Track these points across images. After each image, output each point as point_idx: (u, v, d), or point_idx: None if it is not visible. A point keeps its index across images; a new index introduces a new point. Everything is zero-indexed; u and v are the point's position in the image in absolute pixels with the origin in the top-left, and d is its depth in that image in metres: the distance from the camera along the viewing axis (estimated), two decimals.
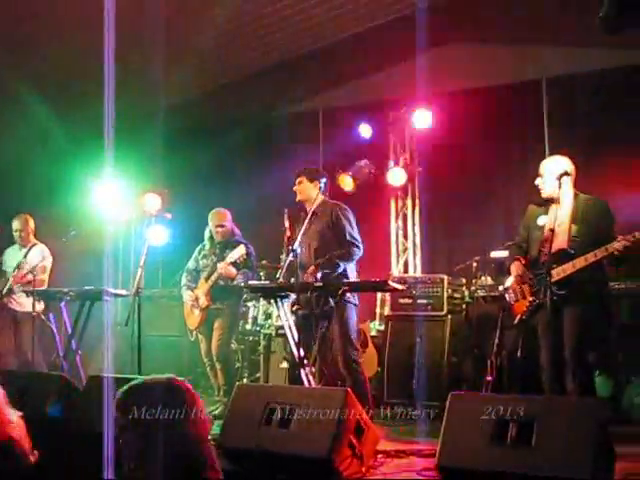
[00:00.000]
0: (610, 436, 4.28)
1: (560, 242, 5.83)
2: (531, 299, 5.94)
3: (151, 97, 10.15)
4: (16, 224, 8.66)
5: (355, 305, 6.76)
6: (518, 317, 6.11)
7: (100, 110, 8.85)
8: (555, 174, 5.94)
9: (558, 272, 5.73)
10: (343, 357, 6.63)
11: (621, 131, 8.86)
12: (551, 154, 8.96)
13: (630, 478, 4.56)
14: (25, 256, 8.20)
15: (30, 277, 8.15)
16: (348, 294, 6.44)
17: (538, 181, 6.13)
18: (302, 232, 6.60)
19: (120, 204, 9.96)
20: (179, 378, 2.98)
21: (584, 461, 3.95)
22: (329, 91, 10.70)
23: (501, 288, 7.22)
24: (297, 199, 7.03)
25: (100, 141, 9.72)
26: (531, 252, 6.11)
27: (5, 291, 8.12)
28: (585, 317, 5.81)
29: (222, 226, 7.84)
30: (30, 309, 7.85)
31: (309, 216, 6.74)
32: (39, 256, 8.49)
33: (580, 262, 5.66)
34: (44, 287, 8.32)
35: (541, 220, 6.00)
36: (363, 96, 10.26)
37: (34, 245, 8.39)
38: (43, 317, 7.76)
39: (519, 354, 6.38)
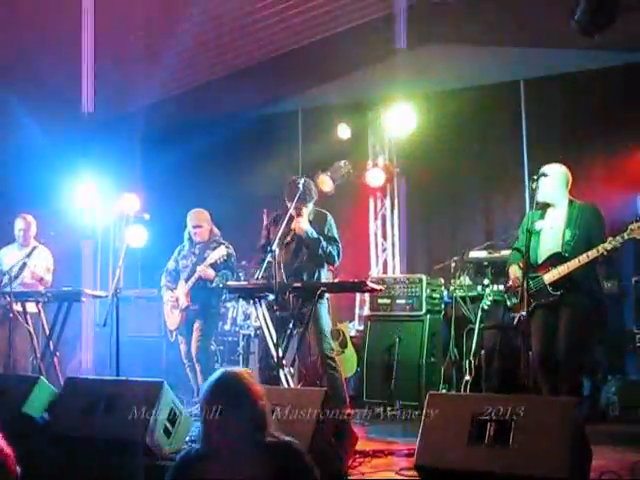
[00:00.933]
0: (586, 435, 4.31)
1: (554, 246, 6.14)
2: (529, 300, 6.01)
3: (128, 96, 10.10)
4: (20, 223, 8.61)
5: (327, 300, 6.81)
6: (517, 317, 6.21)
7: (78, 110, 8.83)
8: (563, 183, 6.25)
9: (553, 274, 6.04)
10: (319, 354, 6.65)
11: (599, 132, 8.93)
12: (529, 155, 9.12)
13: (606, 477, 4.58)
14: (28, 256, 8.12)
15: (38, 278, 8.18)
16: None
17: (544, 181, 6.10)
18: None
19: (98, 205, 9.93)
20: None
21: (561, 460, 3.96)
22: (308, 91, 10.68)
23: (480, 289, 7.31)
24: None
25: (78, 142, 9.72)
26: (529, 256, 6.18)
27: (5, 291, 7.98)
28: (580, 318, 6.07)
29: (200, 227, 7.83)
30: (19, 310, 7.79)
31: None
32: (47, 258, 8.48)
33: (574, 264, 5.95)
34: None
35: (538, 225, 6.18)
36: (342, 96, 10.26)
37: (36, 246, 8.33)
38: (20, 318, 7.69)
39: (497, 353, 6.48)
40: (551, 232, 6.19)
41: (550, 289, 6.03)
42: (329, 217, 7.13)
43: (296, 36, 9.58)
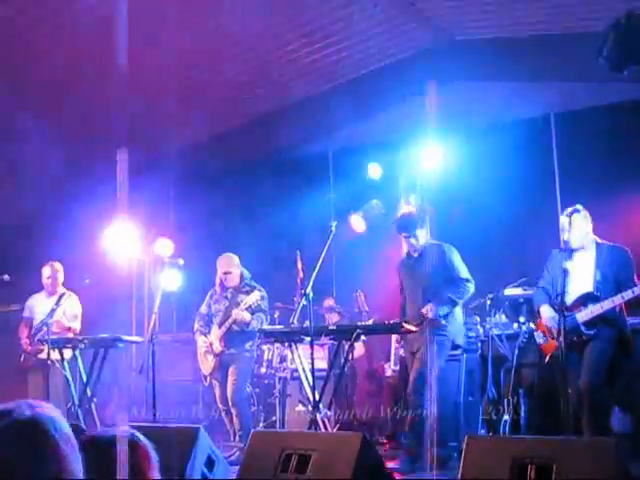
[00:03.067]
0: (631, 475, 4.23)
1: (586, 286, 6.18)
2: (561, 339, 6.05)
3: (163, 141, 10.22)
4: (47, 271, 8.73)
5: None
6: (548, 356, 6.36)
7: (112, 155, 8.94)
8: (585, 231, 6.29)
9: (586, 313, 6.08)
10: None
11: (631, 166, 8.85)
12: (561, 190, 9.06)
13: None
14: (57, 303, 8.20)
15: (67, 326, 8.26)
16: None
17: (566, 236, 6.29)
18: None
19: (133, 250, 9.99)
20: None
21: None
22: (338, 132, 10.75)
23: (516, 326, 7.26)
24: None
25: (112, 186, 9.82)
26: (556, 295, 6.26)
27: (42, 338, 8.05)
28: (602, 353, 6.07)
29: (230, 272, 7.85)
30: (55, 357, 7.85)
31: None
32: (74, 304, 8.57)
33: (607, 304, 6.00)
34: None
35: (567, 265, 6.15)
36: (373, 136, 10.30)
37: (64, 293, 8.41)
38: (58, 365, 7.74)
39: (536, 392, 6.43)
40: (581, 273, 6.23)
41: (583, 328, 6.06)
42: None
43: (327, 76, 9.67)
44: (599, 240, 6.37)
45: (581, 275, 6.23)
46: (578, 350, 6.07)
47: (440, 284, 6.84)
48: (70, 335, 8.20)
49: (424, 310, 6.68)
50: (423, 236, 7.09)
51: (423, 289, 6.90)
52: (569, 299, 6.14)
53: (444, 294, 6.85)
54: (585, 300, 6.11)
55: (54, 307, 8.14)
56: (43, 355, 8.16)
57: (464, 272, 7.01)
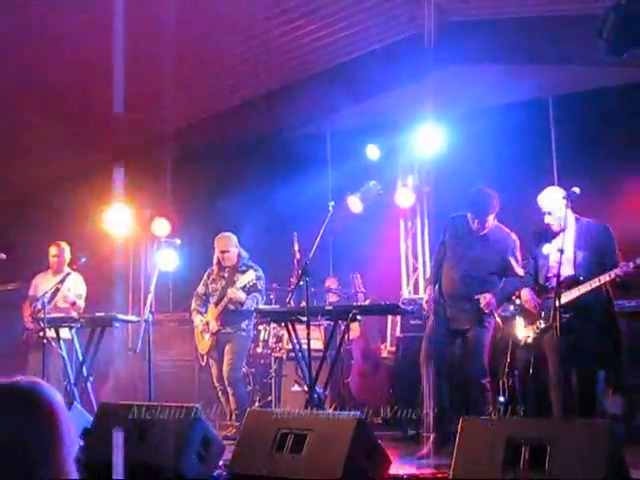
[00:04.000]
0: (624, 457, 4.25)
1: (567, 269, 6.07)
2: (539, 322, 6.15)
3: (159, 121, 10.19)
4: (53, 250, 8.74)
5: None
6: (524, 339, 6.33)
7: (109, 136, 8.94)
8: (561, 210, 6.07)
9: (565, 296, 5.91)
10: None
11: (629, 148, 8.84)
12: (559, 172, 9.05)
13: None
14: (61, 282, 8.20)
15: (71, 302, 8.29)
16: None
17: (548, 219, 6.24)
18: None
19: (130, 230, 10.00)
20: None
21: None
22: (336, 113, 10.72)
23: (512, 308, 7.25)
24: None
25: (110, 166, 9.82)
26: (539, 279, 6.26)
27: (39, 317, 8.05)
28: (589, 337, 6.02)
29: (227, 251, 7.85)
30: (51, 336, 7.86)
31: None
32: (79, 284, 8.59)
33: (585, 287, 5.92)
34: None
35: (546, 249, 6.15)
36: (371, 117, 10.27)
37: (69, 273, 8.41)
38: (54, 344, 7.75)
39: (530, 373, 6.43)
40: (562, 255, 5.93)
41: (562, 310, 5.78)
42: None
43: (325, 57, 9.63)
44: (578, 216, 6.26)
45: (562, 257, 5.94)
46: (562, 334, 5.71)
47: (494, 272, 6.61)
48: (74, 313, 8.20)
49: (482, 300, 6.35)
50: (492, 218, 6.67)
51: (474, 270, 6.53)
52: (552, 282, 5.98)
53: (496, 284, 6.55)
54: (567, 284, 5.97)
55: (58, 286, 8.14)
56: (42, 334, 8.19)
57: (520, 270, 6.60)
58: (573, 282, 5.99)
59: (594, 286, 5.87)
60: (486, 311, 6.37)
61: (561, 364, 5.96)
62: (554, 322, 5.63)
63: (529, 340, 6.29)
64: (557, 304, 5.54)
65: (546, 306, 6.04)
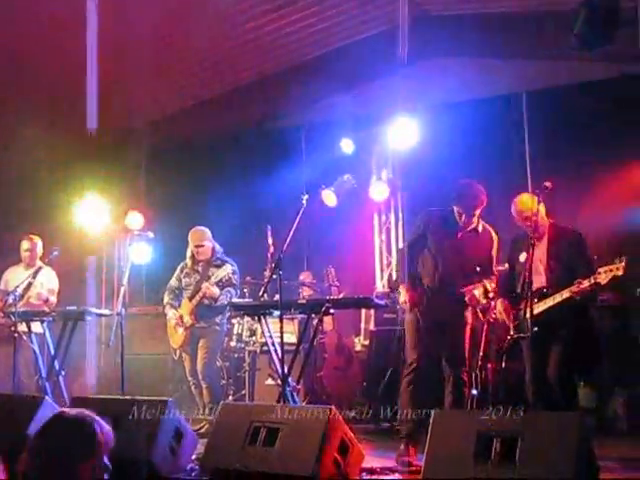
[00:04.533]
0: (593, 449, 4.29)
1: (538, 280, 5.99)
2: (512, 333, 6.06)
3: (133, 115, 10.14)
4: (26, 244, 8.62)
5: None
6: (497, 348, 6.48)
7: (83, 129, 8.87)
8: (524, 216, 6.06)
9: (534, 308, 5.82)
10: None
11: (601, 143, 8.90)
12: (532, 167, 9.10)
13: None
14: (33, 277, 8.13)
15: (44, 299, 8.20)
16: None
17: (522, 225, 6.18)
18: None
19: (102, 223, 9.93)
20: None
21: (568, 475, 3.95)
22: (311, 106, 10.73)
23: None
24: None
25: (83, 160, 9.75)
26: (516, 288, 6.15)
27: (9, 311, 7.97)
28: (567, 348, 5.92)
29: (202, 246, 7.81)
30: (23, 330, 7.80)
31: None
32: (51, 279, 8.50)
33: (550, 301, 5.86)
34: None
35: (522, 257, 6.03)
36: (345, 111, 10.27)
37: (41, 267, 8.33)
38: (25, 338, 7.70)
39: (503, 367, 6.44)
40: (534, 264, 5.95)
41: (529, 324, 5.73)
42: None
43: (299, 51, 9.62)
44: (553, 222, 6.20)
45: (534, 267, 5.95)
46: (532, 345, 5.86)
47: (479, 268, 6.54)
48: (45, 308, 8.14)
49: (467, 294, 6.21)
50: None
51: (460, 265, 6.39)
52: (524, 293, 5.88)
53: (476, 278, 6.38)
54: (537, 295, 5.90)
55: (30, 280, 8.07)
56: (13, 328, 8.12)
57: (495, 269, 6.56)
58: (541, 295, 5.93)
59: (557, 301, 5.81)
60: (473, 306, 6.37)
61: (536, 375, 5.95)
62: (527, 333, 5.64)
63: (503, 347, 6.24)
64: (529, 314, 5.54)
65: (519, 317, 5.96)
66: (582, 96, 8.92)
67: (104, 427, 3.01)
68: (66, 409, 3.19)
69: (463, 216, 6.33)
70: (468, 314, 6.43)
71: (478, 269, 6.38)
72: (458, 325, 6.32)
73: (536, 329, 5.71)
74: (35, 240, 8.67)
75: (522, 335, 5.85)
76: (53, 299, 8.45)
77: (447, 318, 6.32)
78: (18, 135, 9.50)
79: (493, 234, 6.53)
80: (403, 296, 6.40)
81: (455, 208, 6.38)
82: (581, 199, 8.63)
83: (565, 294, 5.76)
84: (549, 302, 5.85)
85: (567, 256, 6.02)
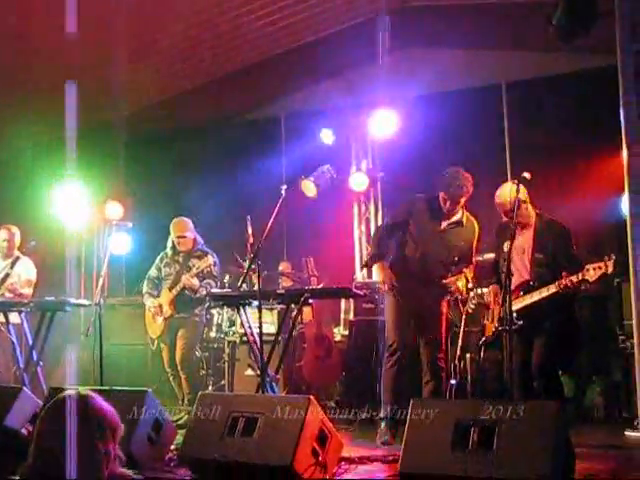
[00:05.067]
0: (570, 437, 4.33)
1: (523, 272, 6.05)
2: (496, 325, 6.13)
3: (112, 104, 10.08)
4: (3, 234, 8.52)
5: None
6: (483, 339, 6.40)
7: (61, 118, 8.81)
8: (507, 207, 6.02)
9: (520, 301, 5.95)
10: None
11: (581, 134, 8.95)
12: (512, 158, 9.14)
13: (591, 478, 4.60)
14: (11, 267, 8.06)
15: (17, 293, 8.12)
16: None
17: (502, 213, 6.20)
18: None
19: (81, 213, 9.88)
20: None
21: (545, 463, 3.98)
22: (290, 96, 10.72)
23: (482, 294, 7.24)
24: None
25: (61, 149, 9.69)
26: (500, 276, 6.08)
27: None
28: (551, 340, 5.97)
29: (184, 237, 7.79)
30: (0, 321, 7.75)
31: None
32: (28, 270, 8.42)
33: (536, 295, 5.91)
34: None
35: (505, 246, 5.92)
36: (324, 101, 10.26)
37: (18, 257, 8.26)
38: (3, 329, 7.65)
39: (481, 357, 6.47)
40: (520, 255, 6.06)
41: (515, 317, 5.77)
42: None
43: (279, 41, 9.60)
44: (539, 212, 6.22)
45: (520, 258, 6.06)
46: (517, 337, 5.78)
47: (461, 257, 6.48)
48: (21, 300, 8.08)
49: (451, 283, 6.31)
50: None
51: (443, 252, 6.44)
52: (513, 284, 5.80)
53: (454, 268, 6.47)
54: (522, 287, 5.98)
55: (8, 272, 8.02)
56: None
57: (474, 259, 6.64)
58: (526, 288, 5.97)
59: (543, 296, 5.85)
60: (455, 295, 6.41)
61: (520, 368, 5.95)
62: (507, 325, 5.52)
63: (487, 334, 6.34)
64: (508, 307, 5.42)
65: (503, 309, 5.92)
66: (561, 87, 8.96)
67: (109, 407, 3.15)
68: (70, 390, 3.22)
69: (448, 202, 6.37)
70: (444, 304, 6.48)
71: (456, 259, 6.44)
72: (436, 312, 6.38)
73: (521, 322, 5.82)
74: (13, 230, 8.60)
75: (506, 328, 5.71)
76: (28, 291, 8.38)
77: (426, 304, 6.39)
78: None
79: (475, 225, 6.56)
80: (381, 276, 6.45)
81: (441, 194, 6.41)
82: (560, 189, 8.67)
83: (552, 289, 5.80)
84: (535, 296, 5.89)
85: (553, 249, 6.03)
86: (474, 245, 6.53)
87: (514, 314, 5.73)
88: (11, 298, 8.08)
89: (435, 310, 6.39)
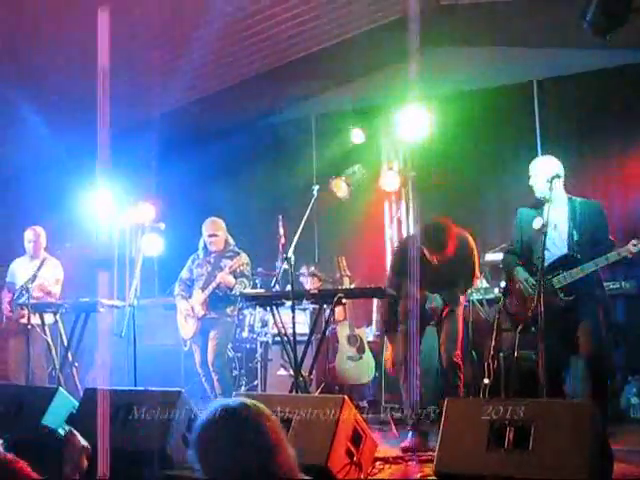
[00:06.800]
0: (607, 437, 4.28)
1: (561, 246, 5.86)
2: (534, 305, 5.71)
3: (145, 105, 10.14)
4: (29, 235, 8.66)
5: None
6: (521, 325, 6.09)
7: (94, 119, 8.87)
8: (546, 175, 5.90)
9: (565, 277, 5.74)
10: None
11: (613, 131, 8.87)
12: (544, 155, 9.07)
13: (628, 479, 4.56)
14: (39, 269, 8.16)
15: (46, 291, 8.22)
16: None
17: (531, 181, 6.13)
18: None
19: (114, 214, 9.94)
20: None
21: (582, 463, 3.94)
22: (321, 96, 10.71)
23: (497, 291, 7.23)
24: None
25: (94, 151, 9.75)
26: (531, 256, 5.98)
27: (22, 302, 8.01)
28: (598, 323, 5.82)
29: (216, 235, 7.83)
30: (36, 322, 7.85)
31: None
32: (55, 269, 8.52)
33: (589, 267, 5.67)
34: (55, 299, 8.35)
35: (536, 223, 5.89)
36: (355, 101, 10.25)
37: (46, 258, 8.36)
38: (39, 330, 7.73)
39: (515, 356, 6.41)
40: (554, 232, 5.87)
41: (562, 294, 5.71)
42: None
43: (309, 41, 9.58)
44: (570, 195, 6.07)
45: (555, 235, 5.86)
46: (557, 318, 5.64)
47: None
48: (51, 299, 8.17)
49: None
50: None
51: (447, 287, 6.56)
52: (545, 261, 5.66)
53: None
54: (562, 263, 5.76)
55: (36, 272, 8.10)
56: (24, 320, 8.14)
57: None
58: (571, 261, 5.74)
59: (600, 266, 5.65)
60: None
61: (555, 348, 5.75)
62: (544, 304, 5.34)
63: (520, 323, 6.06)
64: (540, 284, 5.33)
65: (542, 287, 5.61)
66: (594, 83, 8.88)
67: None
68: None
69: (433, 256, 6.30)
70: (460, 307, 6.52)
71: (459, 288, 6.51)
72: (453, 314, 6.46)
73: (570, 298, 5.67)
74: (38, 231, 8.70)
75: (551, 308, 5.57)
76: (57, 290, 8.48)
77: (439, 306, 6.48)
78: (27, 126, 9.52)
79: (468, 241, 6.49)
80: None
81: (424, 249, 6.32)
82: (593, 187, 8.59)
83: (601, 262, 5.62)
84: (587, 269, 5.66)
85: (589, 226, 5.86)
86: (474, 262, 6.49)
87: (560, 292, 5.67)
88: (41, 297, 8.17)
89: (451, 314, 6.45)
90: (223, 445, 2.62)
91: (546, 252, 5.61)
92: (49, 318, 7.79)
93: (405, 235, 6.76)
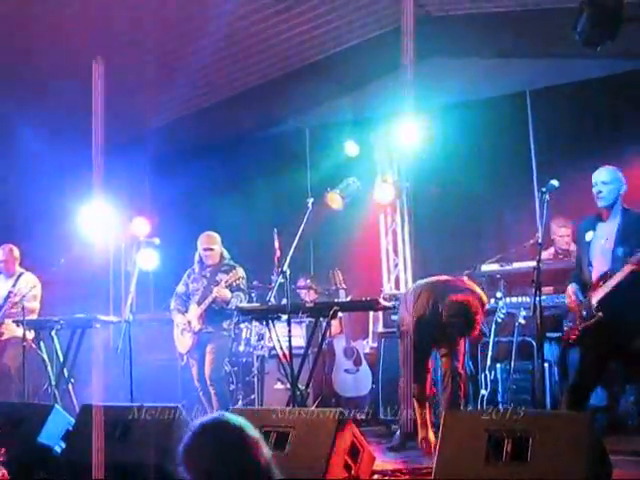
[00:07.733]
0: (605, 447, 4.27)
1: (604, 263, 5.62)
2: (578, 323, 5.70)
3: (138, 120, 10.14)
4: (0, 254, 8.62)
5: None
6: (565, 342, 6.11)
7: (89, 135, 8.87)
8: (620, 188, 5.76)
9: (598, 294, 5.55)
10: None
11: (606, 140, 8.88)
12: (538, 166, 9.09)
13: None
14: (14, 285, 8.15)
15: (21, 305, 8.15)
16: None
17: (601, 188, 5.80)
18: None
19: (109, 229, 9.94)
20: None
21: (580, 474, 3.92)
22: (315, 109, 10.72)
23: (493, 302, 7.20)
24: None
25: (88, 166, 9.75)
26: (580, 271, 5.86)
27: (16, 319, 7.99)
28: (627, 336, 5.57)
29: (211, 249, 7.82)
30: (16, 334, 7.82)
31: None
32: (30, 284, 8.47)
33: (611, 282, 5.49)
34: (35, 315, 8.30)
35: (588, 236, 5.75)
36: (349, 113, 10.27)
37: (21, 274, 8.36)
38: (34, 346, 7.70)
39: (512, 367, 6.40)
40: (602, 246, 5.66)
41: (594, 309, 5.51)
42: None
43: (303, 54, 9.61)
44: (626, 207, 5.77)
45: (601, 250, 5.65)
46: (594, 337, 5.52)
47: None
48: (33, 316, 8.14)
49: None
50: None
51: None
52: (593, 277, 5.62)
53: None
54: (604, 279, 5.54)
55: (11, 289, 8.10)
56: (5, 336, 8.14)
57: None
58: (606, 279, 5.54)
59: (617, 280, 5.42)
60: None
61: (586, 375, 5.72)
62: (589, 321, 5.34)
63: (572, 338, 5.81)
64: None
65: (585, 306, 5.61)
66: (586, 93, 8.91)
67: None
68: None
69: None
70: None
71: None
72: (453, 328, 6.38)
73: (600, 314, 5.47)
74: (7, 249, 8.66)
75: (587, 323, 5.51)
76: (34, 305, 8.43)
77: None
78: (23, 142, 9.51)
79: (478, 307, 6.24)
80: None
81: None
82: (589, 197, 8.59)
83: (626, 270, 5.39)
84: (609, 285, 5.46)
85: (636, 240, 5.55)
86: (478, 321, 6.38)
87: (594, 306, 5.50)
88: (16, 313, 8.12)
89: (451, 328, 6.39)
90: (204, 461, 2.73)
91: (590, 268, 5.56)
92: (29, 333, 7.75)
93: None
